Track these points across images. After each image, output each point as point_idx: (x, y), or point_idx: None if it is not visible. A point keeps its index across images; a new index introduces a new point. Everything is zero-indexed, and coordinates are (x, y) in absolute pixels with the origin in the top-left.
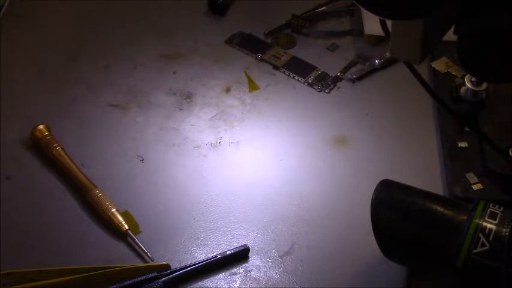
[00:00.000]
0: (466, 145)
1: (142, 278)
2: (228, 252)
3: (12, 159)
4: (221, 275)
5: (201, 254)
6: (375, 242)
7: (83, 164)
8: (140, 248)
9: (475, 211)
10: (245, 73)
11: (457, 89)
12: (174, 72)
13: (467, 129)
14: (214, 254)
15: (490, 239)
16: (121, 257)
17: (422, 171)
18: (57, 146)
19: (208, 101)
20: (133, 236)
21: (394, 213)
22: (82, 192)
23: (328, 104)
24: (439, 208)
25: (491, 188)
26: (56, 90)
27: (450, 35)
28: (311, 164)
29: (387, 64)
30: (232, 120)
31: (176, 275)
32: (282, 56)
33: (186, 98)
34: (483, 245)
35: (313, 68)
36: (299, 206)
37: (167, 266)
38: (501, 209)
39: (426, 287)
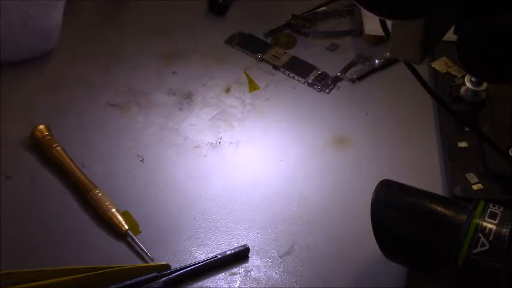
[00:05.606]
0: (466, 145)
1: (143, 278)
2: (228, 252)
3: (12, 159)
4: (221, 275)
5: (201, 254)
6: (375, 242)
7: (83, 164)
8: (140, 248)
9: (475, 211)
10: (245, 73)
11: (457, 89)
12: (174, 72)
13: (467, 129)
14: (214, 254)
15: (490, 239)
16: (121, 257)
17: (422, 171)
18: (57, 146)
19: (208, 101)
20: (133, 236)
21: (394, 213)
22: (82, 192)
23: (328, 104)
24: (439, 208)
25: (491, 188)
26: (56, 90)
27: (450, 35)
28: (311, 164)
29: (387, 64)
30: (232, 120)
31: (176, 275)
32: (282, 56)
33: (186, 98)
34: (483, 245)
35: (313, 68)
36: (299, 206)
37: (167, 266)
38: (501, 209)
39: (426, 287)
